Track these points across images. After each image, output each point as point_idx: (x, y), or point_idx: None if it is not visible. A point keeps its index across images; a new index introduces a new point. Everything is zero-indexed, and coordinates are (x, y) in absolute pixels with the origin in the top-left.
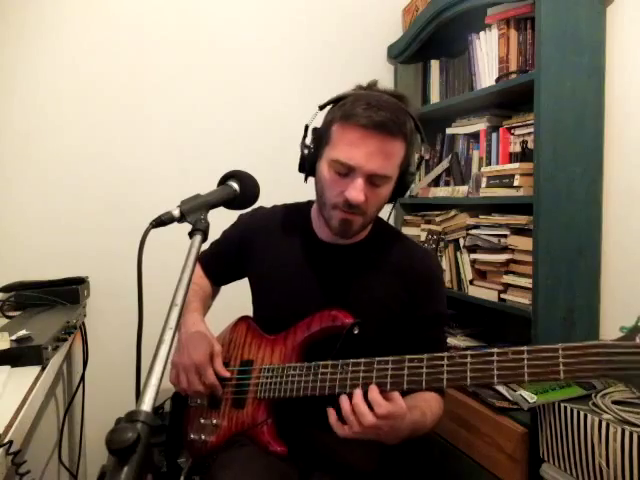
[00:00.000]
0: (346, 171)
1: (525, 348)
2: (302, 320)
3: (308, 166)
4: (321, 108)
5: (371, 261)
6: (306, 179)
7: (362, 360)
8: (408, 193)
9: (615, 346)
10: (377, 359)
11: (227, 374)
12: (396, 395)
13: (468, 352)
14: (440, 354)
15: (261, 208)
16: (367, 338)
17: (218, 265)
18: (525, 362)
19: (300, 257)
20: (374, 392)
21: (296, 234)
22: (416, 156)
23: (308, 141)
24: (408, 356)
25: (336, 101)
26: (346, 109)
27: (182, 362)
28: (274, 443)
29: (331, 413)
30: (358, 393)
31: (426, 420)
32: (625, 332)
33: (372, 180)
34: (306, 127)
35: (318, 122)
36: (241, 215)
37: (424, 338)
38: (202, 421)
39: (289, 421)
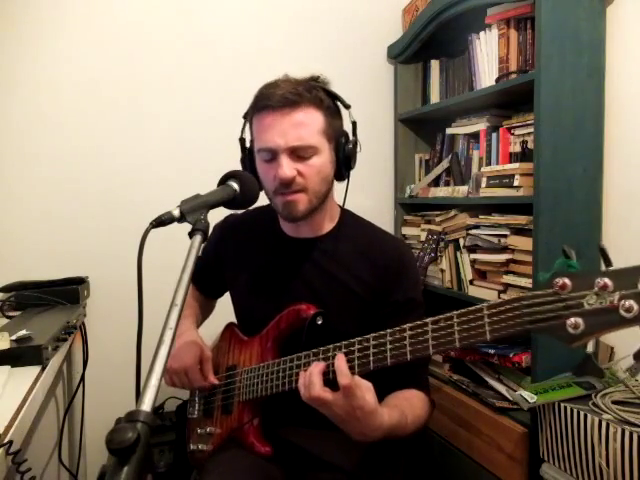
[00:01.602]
0: (271, 156)
1: (455, 313)
2: (274, 319)
3: (250, 172)
4: (245, 117)
5: (339, 252)
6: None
7: (321, 348)
8: (408, 193)
9: (533, 297)
10: (332, 346)
11: (214, 381)
12: (365, 385)
13: (407, 325)
14: (383, 332)
15: (231, 216)
16: (344, 328)
17: (205, 280)
18: (455, 327)
19: (269, 256)
20: (340, 360)
21: (264, 234)
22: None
23: (245, 151)
24: (358, 338)
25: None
26: (253, 102)
27: (173, 367)
28: (258, 444)
29: (301, 375)
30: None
31: (406, 422)
32: (543, 280)
33: (297, 154)
34: (240, 140)
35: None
36: (214, 226)
37: (398, 325)
38: (199, 431)
39: (276, 421)
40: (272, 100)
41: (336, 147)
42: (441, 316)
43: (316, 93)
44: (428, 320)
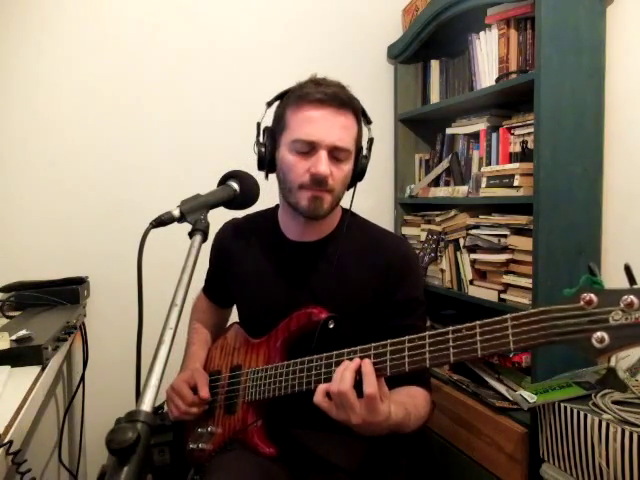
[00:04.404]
0: (308, 149)
1: (477, 323)
2: (282, 321)
3: (267, 161)
4: (269, 105)
5: (340, 255)
6: (267, 176)
7: (334, 352)
8: (408, 193)
9: (559, 310)
10: (346, 350)
11: (206, 395)
12: (385, 389)
13: (427, 333)
14: (401, 338)
15: (230, 222)
16: (344, 331)
17: (216, 290)
18: (477, 337)
19: (271, 260)
20: (368, 366)
21: (265, 238)
22: (366, 140)
23: (262, 138)
24: (374, 344)
25: (282, 95)
26: (296, 93)
27: (166, 394)
28: (263, 445)
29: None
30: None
31: (409, 420)
32: (569, 295)
33: (334, 154)
34: (258, 125)
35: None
36: (215, 235)
37: (399, 326)
38: (199, 430)
39: (280, 422)
40: (323, 94)
41: (355, 156)
42: (462, 325)
43: (358, 102)
44: (449, 329)
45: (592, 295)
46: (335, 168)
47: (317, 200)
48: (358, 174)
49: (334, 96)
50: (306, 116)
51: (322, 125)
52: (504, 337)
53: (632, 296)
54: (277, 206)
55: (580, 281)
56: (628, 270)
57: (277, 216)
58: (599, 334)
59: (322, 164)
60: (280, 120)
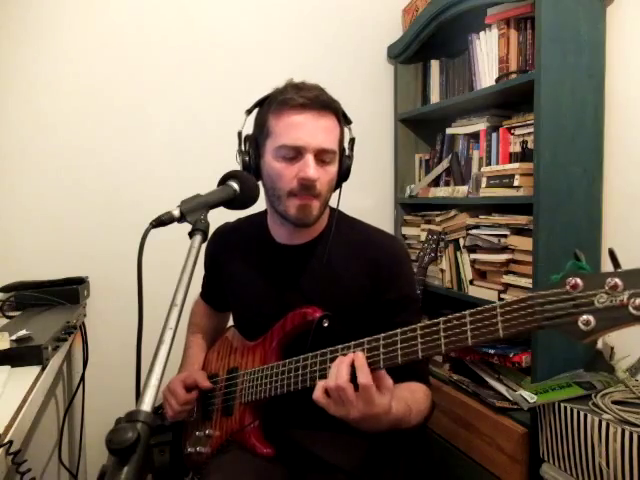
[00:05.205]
0: (294, 154)
1: (467, 312)
2: (277, 322)
3: (253, 170)
4: (249, 112)
5: (330, 256)
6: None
7: (329, 349)
8: (408, 193)
9: (546, 295)
10: (340, 346)
11: (209, 385)
12: (386, 381)
13: (418, 325)
14: (393, 331)
15: (220, 227)
16: (337, 332)
17: (211, 294)
18: (468, 326)
19: (261, 264)
20: (360, 359)
21: (254, 243)
22: (347, 139)
23: (245, 147)
24: (367, 338)
25: (261, 102)
26: (278, 99)
27: (162, 395)
28: (260, 445)
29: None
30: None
31: (410, 415)
32: (555, 281)
33: (320, 157)
34: (239, 134)
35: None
36: (207, 240)
37: (393, 323)
38: (197, 434)
39: (278, 423)
40: (305, 99)
41: (340, 159)
42: (452, 315)
43: (338, 104)
44: (440, 319)
45: (577, 279)
46: (322, 171)
47: (306, 208)
48: (343, 174)
49: (315, 99)
50: (289, 121)
51: (306, 129)
52: (493, 324)
53: (616, 279)
54: (266, 210)
55: (566, 267)
56: (612, 254)
57: (266, 220)
58: (585, 317)
59: (310, 168)
60: (262, 127)
